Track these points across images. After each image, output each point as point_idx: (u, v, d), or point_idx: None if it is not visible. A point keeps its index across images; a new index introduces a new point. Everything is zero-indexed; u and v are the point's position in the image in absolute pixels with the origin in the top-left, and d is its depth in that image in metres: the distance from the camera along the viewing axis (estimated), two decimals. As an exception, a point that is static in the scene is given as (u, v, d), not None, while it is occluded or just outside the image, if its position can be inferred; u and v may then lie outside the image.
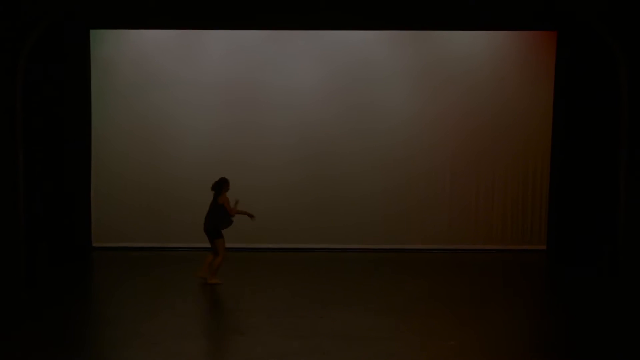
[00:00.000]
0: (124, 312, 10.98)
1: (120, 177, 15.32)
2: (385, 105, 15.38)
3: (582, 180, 14.95)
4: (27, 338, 9.74)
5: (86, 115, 15.11)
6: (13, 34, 12.00)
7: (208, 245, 12.72)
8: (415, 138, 15.42)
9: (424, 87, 15.40)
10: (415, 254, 15.24)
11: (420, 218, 15.49)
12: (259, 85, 15.34)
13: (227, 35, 15.28)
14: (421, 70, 15.39)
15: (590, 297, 12.04)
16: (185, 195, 15.09)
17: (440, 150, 15.45)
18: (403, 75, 15.39)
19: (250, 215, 12.67)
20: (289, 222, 15.38)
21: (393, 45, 15.35)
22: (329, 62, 15.37)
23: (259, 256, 14.92)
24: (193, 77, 15.30)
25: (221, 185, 12.50)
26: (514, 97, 15.38)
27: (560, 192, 15.16)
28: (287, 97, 15.32)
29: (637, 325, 10.62)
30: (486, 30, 15.12)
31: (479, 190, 15.51)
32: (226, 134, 15.35)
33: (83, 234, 15.18)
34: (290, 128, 15.36)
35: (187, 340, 9.70)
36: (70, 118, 14.96)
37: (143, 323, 10.38)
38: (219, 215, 12.45)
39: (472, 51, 15.34)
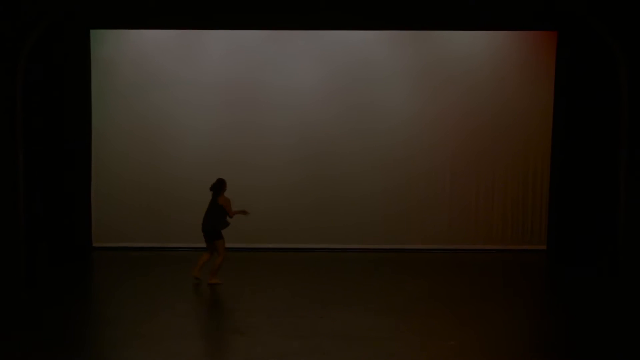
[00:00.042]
0: (124, 312, 10.98)
1: (120, 177, 15.32)
2: (385, 105, 15.38)
3: (582, 180, 14.95)
4: (27, 338, 9.73)
5: (86, 115, 15.12)
6: (13, 34, 12.00)
7: (208, 245, 12.77)
8: (415, 138, 15.43)
9: (424, 87, 15.40)
10: (415, 254, 15.24)
11: (420, 218, 15.49)
12: (259, 85, 15.34)
13: (227, 35, 15.28)
14: (421, 70, 15.39)
15: (590, 297, 12.04)
16: (185, 195, 15.08)
17: (440, 150, 15.45)
18: (403, 75, 15.39)
19: (245, 213, 12.66)
20: (289, 222, 15.38)
21: (393, 45, 15.35)
22: (329, 62, 15.37)
23: (259, 256, 14.92)
24: (193, 77, 15.31)
25: (220, 186, 12.50)
26: (514, 97, 15.38)
27: (560, 192, 15.17)
28: (287, 97, 15.32)
29: (637, 325, 10.62)
30: (486, 30, 15.13)
31: (479, 190, 15.51)
32: (226, 134, 15.35)
33: (83, 234, 15.18)
34: (290, 128, 15.36)
35: (187, 340, 9.70)
36: (70, 118, 14.96)
37: (143, 323, 10.38)
38: (217, 216, 12.46)
39: (472, 51, 15.34)
